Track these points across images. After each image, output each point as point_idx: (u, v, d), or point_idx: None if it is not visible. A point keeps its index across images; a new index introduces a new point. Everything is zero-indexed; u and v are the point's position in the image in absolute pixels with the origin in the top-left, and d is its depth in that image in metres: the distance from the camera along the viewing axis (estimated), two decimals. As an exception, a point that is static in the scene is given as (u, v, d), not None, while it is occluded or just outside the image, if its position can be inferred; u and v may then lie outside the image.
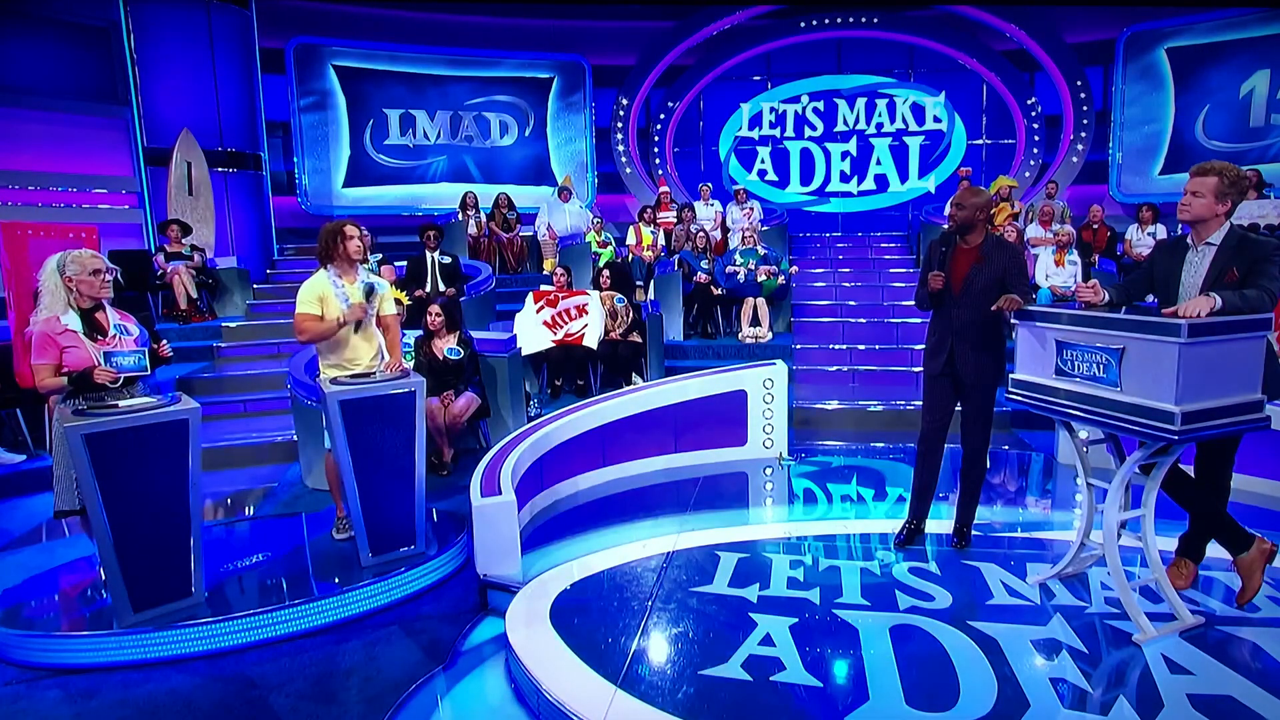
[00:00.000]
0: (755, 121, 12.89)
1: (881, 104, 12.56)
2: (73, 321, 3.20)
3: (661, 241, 9.26)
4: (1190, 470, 3.09)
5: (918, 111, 12.50)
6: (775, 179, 12.94)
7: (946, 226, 3.53)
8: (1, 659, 3.09)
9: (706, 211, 9.98)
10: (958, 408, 3.60)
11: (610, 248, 9.31)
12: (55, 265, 3.22)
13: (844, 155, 12.73)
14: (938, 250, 3.48)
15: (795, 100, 12.79)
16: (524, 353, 6.59)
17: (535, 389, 7.01)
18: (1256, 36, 10.78)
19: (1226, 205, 2.83)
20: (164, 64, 9.37)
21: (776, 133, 12.85)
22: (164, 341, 3.59)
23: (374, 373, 3.69)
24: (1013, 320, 3.17)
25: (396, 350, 3.91)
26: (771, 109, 12.83)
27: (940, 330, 3.53)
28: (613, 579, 3.43)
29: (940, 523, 3.88)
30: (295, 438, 5.43)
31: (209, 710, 2.73)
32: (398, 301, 4.57)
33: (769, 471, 5.08)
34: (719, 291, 8.10)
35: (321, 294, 3.64)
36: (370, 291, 3.71)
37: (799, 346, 7.83)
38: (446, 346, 5.47)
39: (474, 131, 12.53)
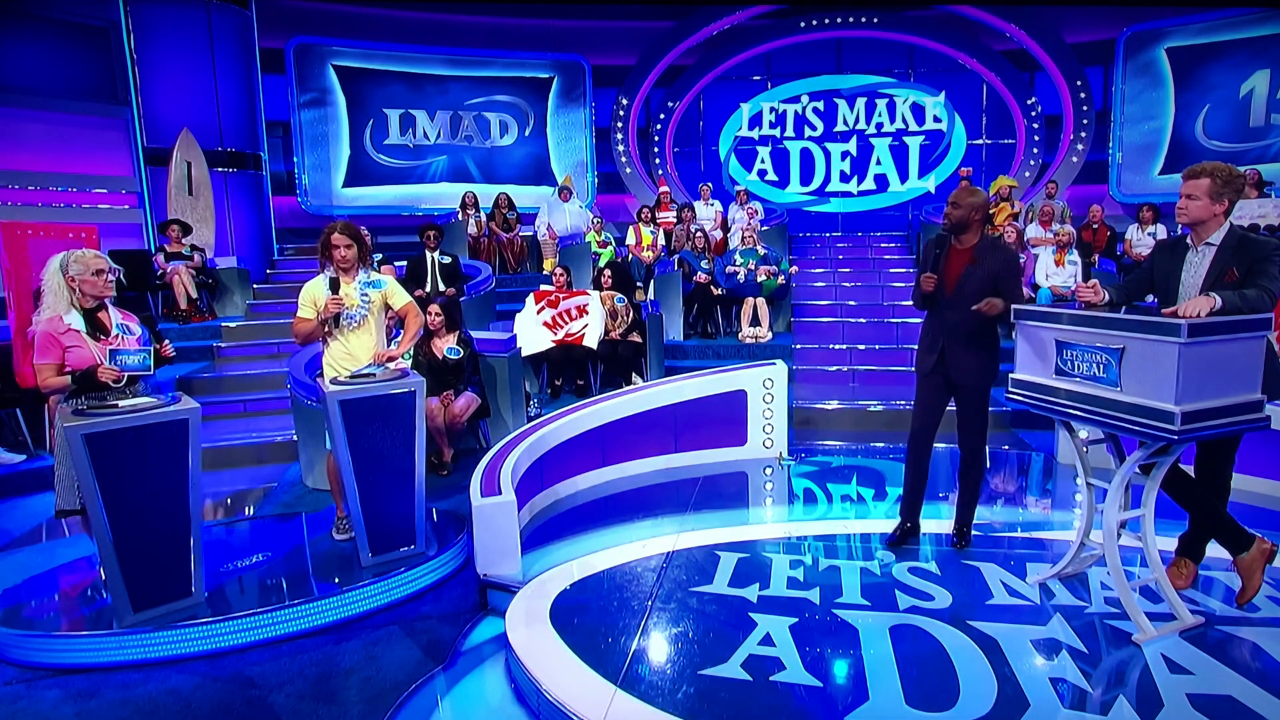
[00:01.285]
0: (755, 121, 12.90)
1: (881, 104, 12.56)
2: (76, 321, 3.20)
3: (661, 241, 9.26)
4: (1190, 470, 3.09)
5: (918, 111, 12.50)
6: (775, 179, 12.94)
7: (941, 226, 3.53)
8: (1, 659, 3.09)
9: (706, 211, 9.98)
10: (950, 407, 3.59)
11: (610, 248, 9.31)
12: (58, 265, 3.22)
13: (844, 155, 12.73)
14: (931, 251, 3.49)
15: (795, 100, 12.80)
16: (524, 353, 6.59)
17: (535, 389, 7.01)
18: (1256, 36, 10.78)
19: (1223, 205, 2.83)
20: (164, 64, 9.37)
21: (776, 133, 12.85)
22: (166, 341, 3.59)
23: (374, 373, 3.69)
24: (1012, 320, 3.17)
25: (409, 338, 3.91)
26: (771, 109, 12.84)
27: (933, 331, 3.53)
28: (613, 579, 3.43)
29: (940, 523, 3.88)
30: (295, 438, 5.43)
31: (209, 710, 2.73)
32: None
33: (769, 471, 5.08)
34: (719, 291, 8.10)
35: (315, 297, 3.68)
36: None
37: (799, 346, 7.83)
38: (446, 346, 5.47)
39: (474, 131, 12.53)
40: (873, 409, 6.47)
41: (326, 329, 3.70)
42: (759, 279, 7.89)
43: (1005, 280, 3.34)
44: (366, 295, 3.74)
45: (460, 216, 9.71)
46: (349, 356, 3.72)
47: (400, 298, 3.88)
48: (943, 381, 3.53)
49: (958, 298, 3.40)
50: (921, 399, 3.62)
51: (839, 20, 12.21)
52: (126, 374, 3.24)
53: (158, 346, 3.46)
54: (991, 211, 9.21)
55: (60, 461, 3.25)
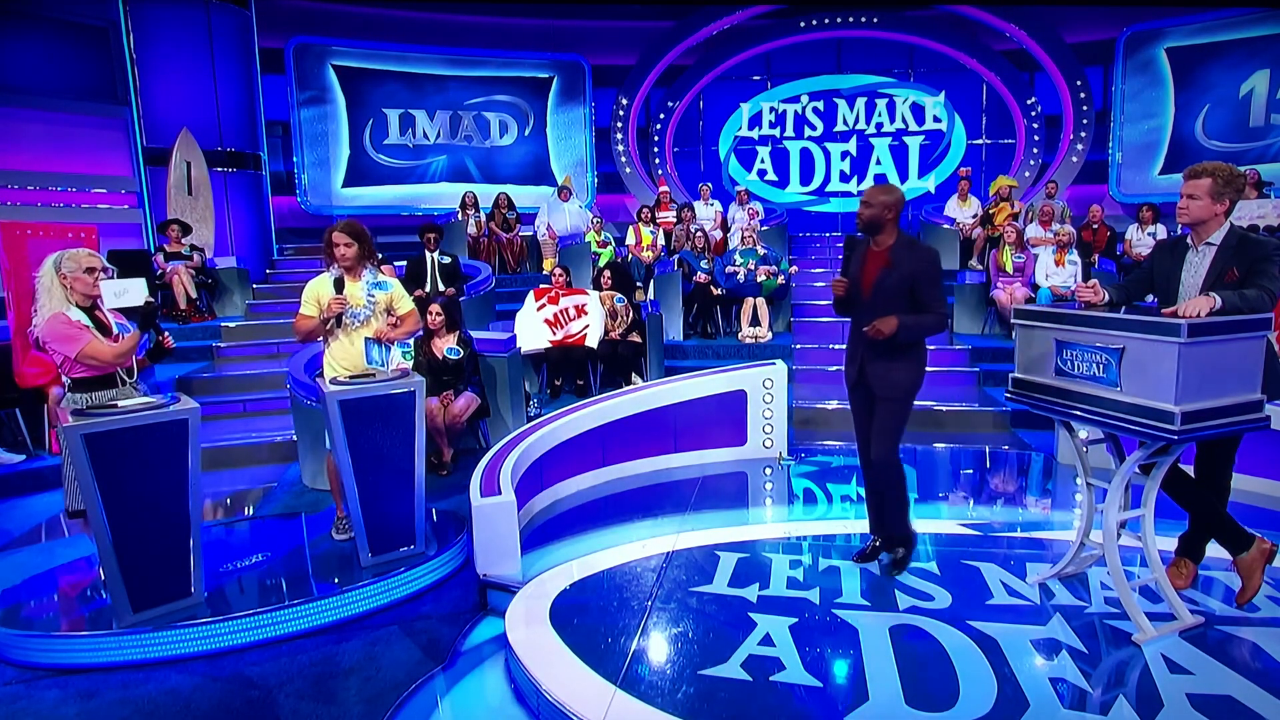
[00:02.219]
0: (755, 121, 12.90)
1: (881, 104, 12.57)
2: (81, 318, 3.20)
3: (661, 241, 9.26)
4: (1190, 470, 3.09)
5: (917, 111, 12.51)
6: (775, 179, 12.95)
7: (856, 226, 3.36)
8: (1, 659, 3.09)
9: (706, 211, 9.98)
10: None
11: (610, 248, 9.31)
12: (53, 264, 3.23)
13: (844, 155, 12.74)
14: (846, 254, 3.35)
15: (795, 100, 12.80)
16: (523, 350, 6.58)
17: (535, 389, 7.01)
18: (1255, 36, 10.79)
19: (1224, 204, 2.83)
20: (164, 64, 9.37)
21: (776, 133, 12.86)
22: (166, 334, 3.59)
23: (374, 373, 3.69)
24: (1013, 320, 3.16)
25: (402, 332, 3.86)
26: (771, 109, 12.84)
27: (853, 338, 3.36)
28: (612, 579, 3.43)
29: (940, 523, 3.88)
30: (295, 438, 5.42)
31: (208, 710, 2.73)
32: None
33: (769, 471, 5.08)
34: (719, 291, 8.10)
35: (319, 294, 3.67)
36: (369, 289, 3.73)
37: (799, 346, 7.83)
38: (446, 346, 5.47)
39: (473, 131, 12.53)
40: (872, 409, 6.45)
41: (328, 328, 3.69)
42: (759, 279, 7.89)
43: (921, 283, 3.15)
44: (373, 296, 3.73)
45: (460, 216, 9.71)
46: (350, 356, 3.72)
47: (405, 303, 3.87)
48: (867, 393, 3.36)
49: (875, 302, 3.21)
50: (855, 412, 3.47)
51: (839, 20, 12.21)
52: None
53: (159, 338, 3.47)
54: (991, 211, 9.21)
55: (68, 461, 3.25)
